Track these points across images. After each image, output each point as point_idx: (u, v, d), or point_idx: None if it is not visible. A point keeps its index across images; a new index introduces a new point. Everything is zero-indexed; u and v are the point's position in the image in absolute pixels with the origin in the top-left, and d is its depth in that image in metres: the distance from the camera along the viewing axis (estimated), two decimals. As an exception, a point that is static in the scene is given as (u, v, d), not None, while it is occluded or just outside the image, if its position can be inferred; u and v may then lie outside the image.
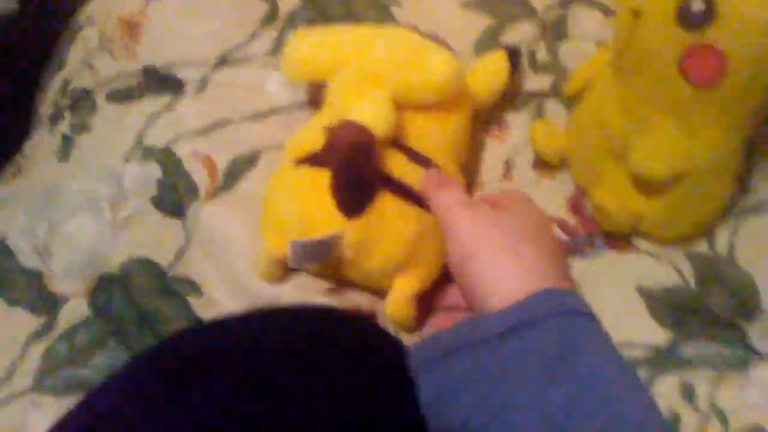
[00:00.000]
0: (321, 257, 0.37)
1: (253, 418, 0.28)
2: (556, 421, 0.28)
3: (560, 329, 0.30)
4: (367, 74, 0.39)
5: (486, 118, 0.50)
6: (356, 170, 0.35)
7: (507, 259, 0.32)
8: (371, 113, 0.36)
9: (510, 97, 0.51)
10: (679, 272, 0.44)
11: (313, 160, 0.39)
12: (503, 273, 0.32)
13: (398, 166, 0.39)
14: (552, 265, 0.33)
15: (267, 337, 0.33)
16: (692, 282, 0.44)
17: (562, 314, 0.30)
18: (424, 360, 0.32)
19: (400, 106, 0.39)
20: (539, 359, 0.29)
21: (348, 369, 0.32)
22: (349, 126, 0.35)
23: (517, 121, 0.51)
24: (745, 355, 0.41)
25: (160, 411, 0.28)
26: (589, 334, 0.31)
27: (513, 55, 0.47)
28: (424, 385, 0.32)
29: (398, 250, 0.38)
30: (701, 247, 0.45)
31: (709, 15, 0.33)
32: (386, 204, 0.38)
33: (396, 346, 0.36)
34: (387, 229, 0.38)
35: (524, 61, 0.50)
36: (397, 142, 0.39)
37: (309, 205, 0.38)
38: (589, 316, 0.32)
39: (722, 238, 0.45)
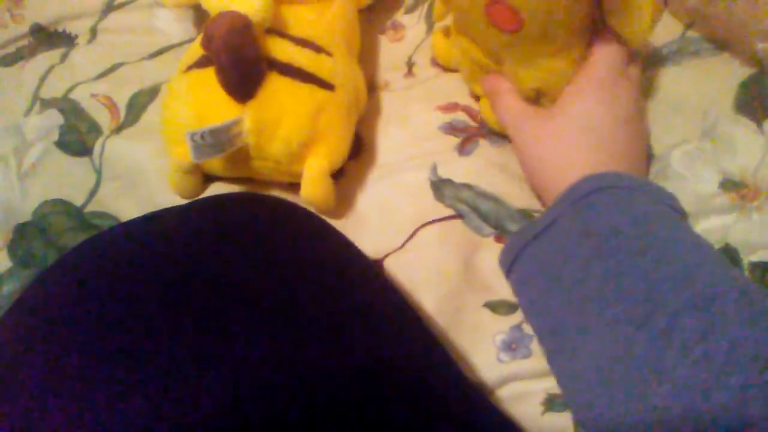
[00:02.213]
0: (223, 147, 0.37)
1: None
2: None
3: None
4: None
5: (382, 24, 0.52)
6: (237, 52, 0.36)
7: (553, 163, 0.39)
8: (243, 1, 0.37)
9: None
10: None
11: (199, 62, 0.39)
12: (554, 171, 0.38)
13: (285, 50, 0.39)
14: (598, 153, 0.37)
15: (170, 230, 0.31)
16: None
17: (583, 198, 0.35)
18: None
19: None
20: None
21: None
22: (223, 15, 0.36)
23: (412, 22, 0.52)
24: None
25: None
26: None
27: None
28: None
29: (298, 127, 0.39)
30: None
31: None
32: (277, 85, 0.38)
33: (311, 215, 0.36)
34: (282, 108, 0.38)
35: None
36: (281, 33, 0.40)
37: (202, 101, 0.38)
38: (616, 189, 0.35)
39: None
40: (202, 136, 0.36)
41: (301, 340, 0.27)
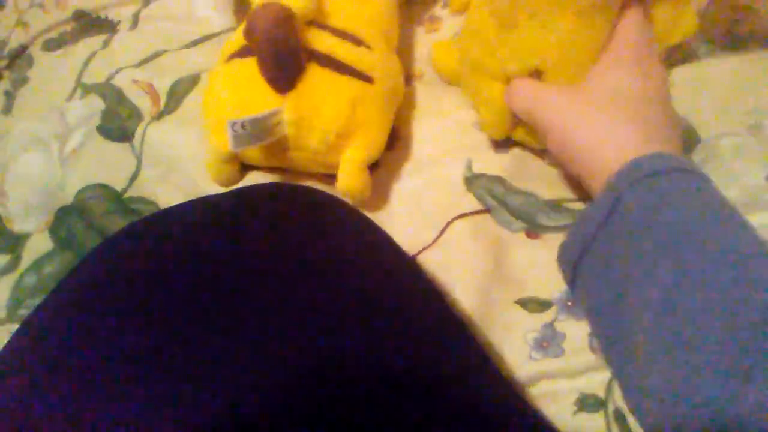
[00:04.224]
0: (262, 136, 0.37)
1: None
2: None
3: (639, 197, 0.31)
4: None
5: (420, 17, 0.52)
6: (279, 44, 0.36)
7: (590, 140, 0.35)
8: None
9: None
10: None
11: (242, 52, 0.40)
12: (596, 152, 0.34)
13: (325, 42, 0.39)
14: (638, 130, 0.34)
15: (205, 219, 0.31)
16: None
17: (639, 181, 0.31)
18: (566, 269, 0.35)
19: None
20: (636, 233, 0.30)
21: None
22: (265, 6, 0.36)
23: (449, 15, 0.52)
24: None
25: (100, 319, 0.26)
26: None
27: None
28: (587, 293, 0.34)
29: (336, 119, 0.39)
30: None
31: None
32: (317, 76, 0.38)
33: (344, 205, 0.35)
34: (321, 99, 0.38)
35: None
36: (322, 25, 0.40)
37: (243, 91, 0.39)
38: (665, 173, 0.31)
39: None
40: (242, 126, 0.36)
41: (337, 338, 0.26)
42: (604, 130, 0.35)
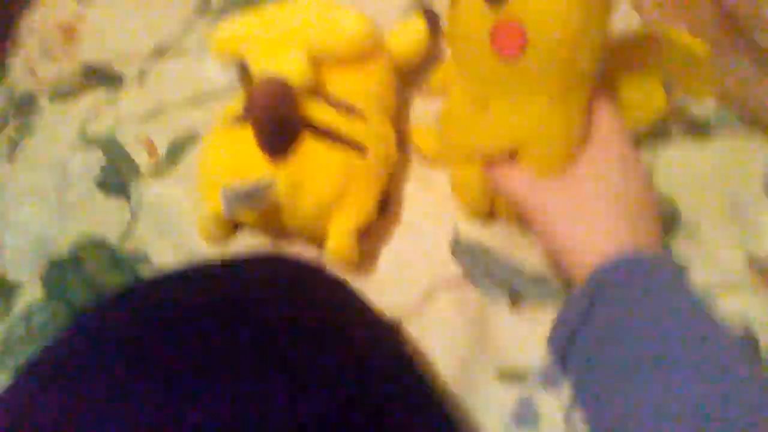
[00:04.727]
0: (255, 204, 0.39)
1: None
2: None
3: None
4: (282, 37, 0.42)
5: (414, 79, 0.53)
6: (274, 114, 0.38)
7: (576, 229, 0.36)
8: (285, 66, 0.39)
9: (435, 60, 0.54)
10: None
11: (239, 118, 0.41)
12: (578, 244, 0.36)
13: (320, 112, 0.41)
14: (621, 225, 0.35)
15: (200, 292, 0.32)
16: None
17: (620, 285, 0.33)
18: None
19: (319, 62, 0.42)
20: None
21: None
22: (267, 83, 0.38)
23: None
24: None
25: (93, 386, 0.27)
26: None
27: (431, 18, 0.49)
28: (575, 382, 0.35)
29: (328, 188, 0.40)
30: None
31: None
32: (311, 147, 0.40)
33: (334, 279, 0.37)
34: (314, 169, 0.40)
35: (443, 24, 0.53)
36: (319, 94, 0.42)
37: (238, 158, 0.40)
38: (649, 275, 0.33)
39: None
40: (235, 194, 0.37)
41: (312, 404, 0.27)
42: (590, 224, 0.36)
